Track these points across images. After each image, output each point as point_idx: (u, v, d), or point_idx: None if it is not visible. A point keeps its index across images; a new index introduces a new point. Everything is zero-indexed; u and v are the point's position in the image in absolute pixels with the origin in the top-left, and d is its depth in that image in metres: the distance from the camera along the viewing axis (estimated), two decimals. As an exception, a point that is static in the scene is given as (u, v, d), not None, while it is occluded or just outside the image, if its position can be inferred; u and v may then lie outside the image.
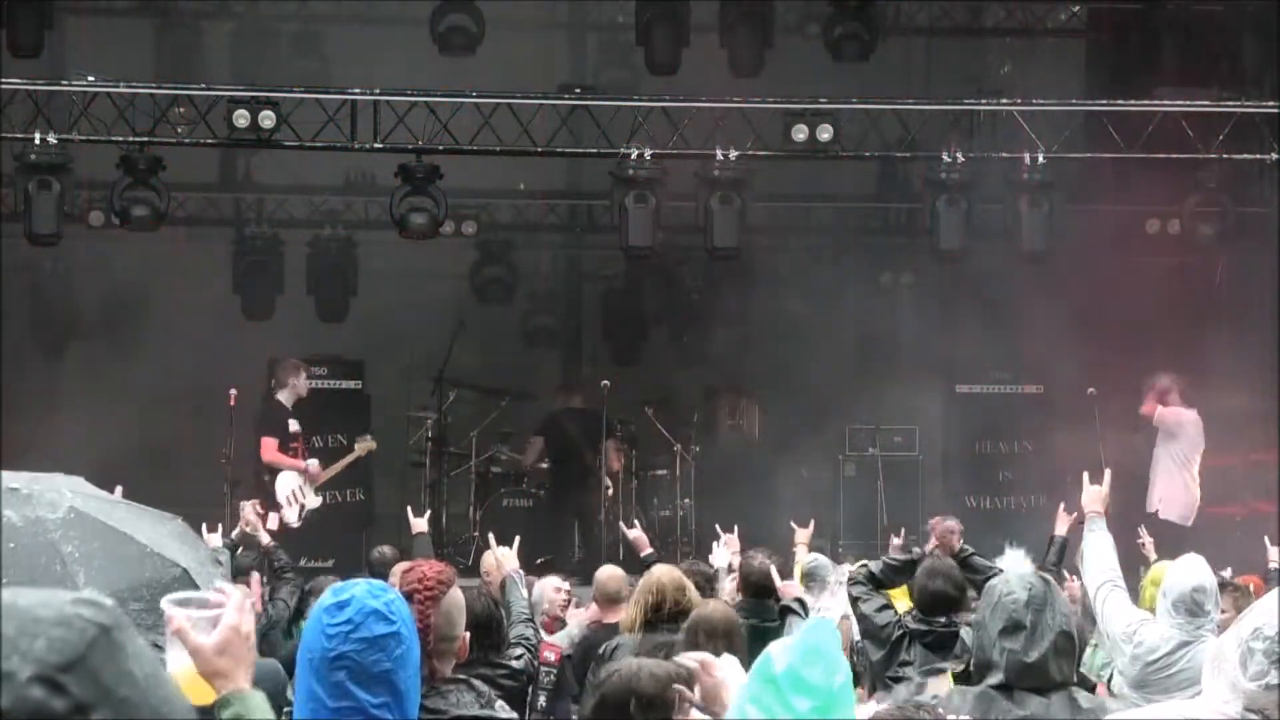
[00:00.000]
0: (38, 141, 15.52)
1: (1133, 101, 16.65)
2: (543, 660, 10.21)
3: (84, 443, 17.30)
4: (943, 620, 9.12)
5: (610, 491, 18.59)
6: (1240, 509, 19.47)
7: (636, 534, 12.57)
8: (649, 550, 12.16)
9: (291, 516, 16.37)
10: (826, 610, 9.87)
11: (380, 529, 19.28)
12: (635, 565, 11.78)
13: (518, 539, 9.72)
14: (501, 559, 9.36)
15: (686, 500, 18.72)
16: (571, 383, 18.67)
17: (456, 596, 4.78)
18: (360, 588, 4.15)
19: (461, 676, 4.64)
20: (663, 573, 9.62)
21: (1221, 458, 19.86)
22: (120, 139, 15.90)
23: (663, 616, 9.16)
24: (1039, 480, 19.30)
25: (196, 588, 7.03)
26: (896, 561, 9.54)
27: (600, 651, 9.68)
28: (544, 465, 18.62)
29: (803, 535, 12.19)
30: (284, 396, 16.60)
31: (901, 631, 9.16)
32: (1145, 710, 4.26)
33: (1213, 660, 3.72)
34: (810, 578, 11.27)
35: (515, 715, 4.60)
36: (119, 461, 17.61)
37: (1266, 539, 8.94)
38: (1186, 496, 17.47)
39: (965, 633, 9.12)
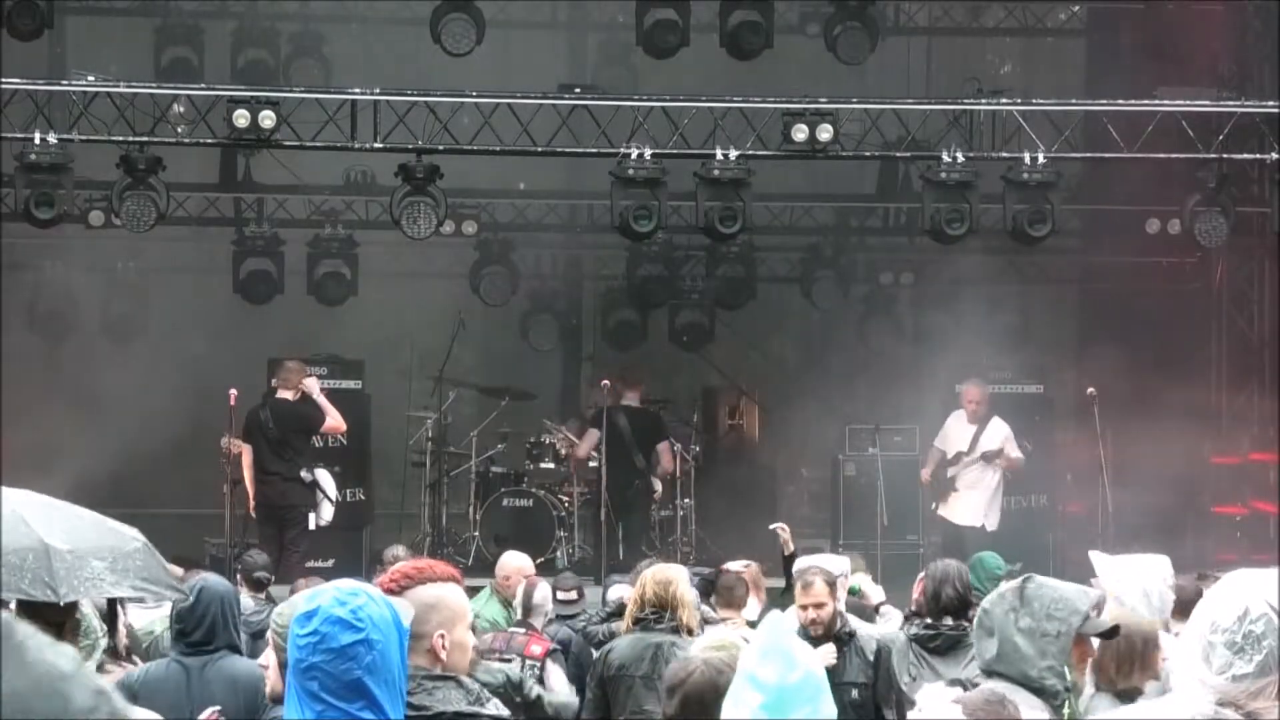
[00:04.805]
0: (38, 141, 15.50)
1: (1133, 101, 16.64)
2: (528, 654, 10.25)
3: (84, 442, 17.34)
4: (950, 624, 9.12)
5: (659, 495, 18.53)
6: (1241, 509, 19.49)
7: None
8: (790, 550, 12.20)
9: (328, 514, 16.39)
10: None
11: (380, 529, 19.30)
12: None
13: None
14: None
15: (686, 500, 18.70)
16: (628, 378, 18.51)
17: (429, 594, 4.66)
18: (328, 595, 4.10)
19: (451, 674, 4.61)
20: (652, 569, 9.68)
21: (1222, 458, 19.89)
22: (120, 139, 15.90)
23: (647, 613, 9.19)
24: (1039, 480, 19.31)
25: (155, 559, 7.15)
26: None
27: (596, 651, 9.71)
28: (591, 462, 18.40)
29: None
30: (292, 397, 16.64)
31: (905, 643, 9.15)
32: (1120, 710, 4.27)
33: (1178, 659, 3.72)
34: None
35: (508, 713, 4.59)
36: (119, 461, 17.70)
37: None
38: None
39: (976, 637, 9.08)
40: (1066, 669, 5.20)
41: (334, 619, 4.03)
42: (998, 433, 17.58)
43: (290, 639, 4.10)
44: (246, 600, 11.07)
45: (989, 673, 5.22)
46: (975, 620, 5.36)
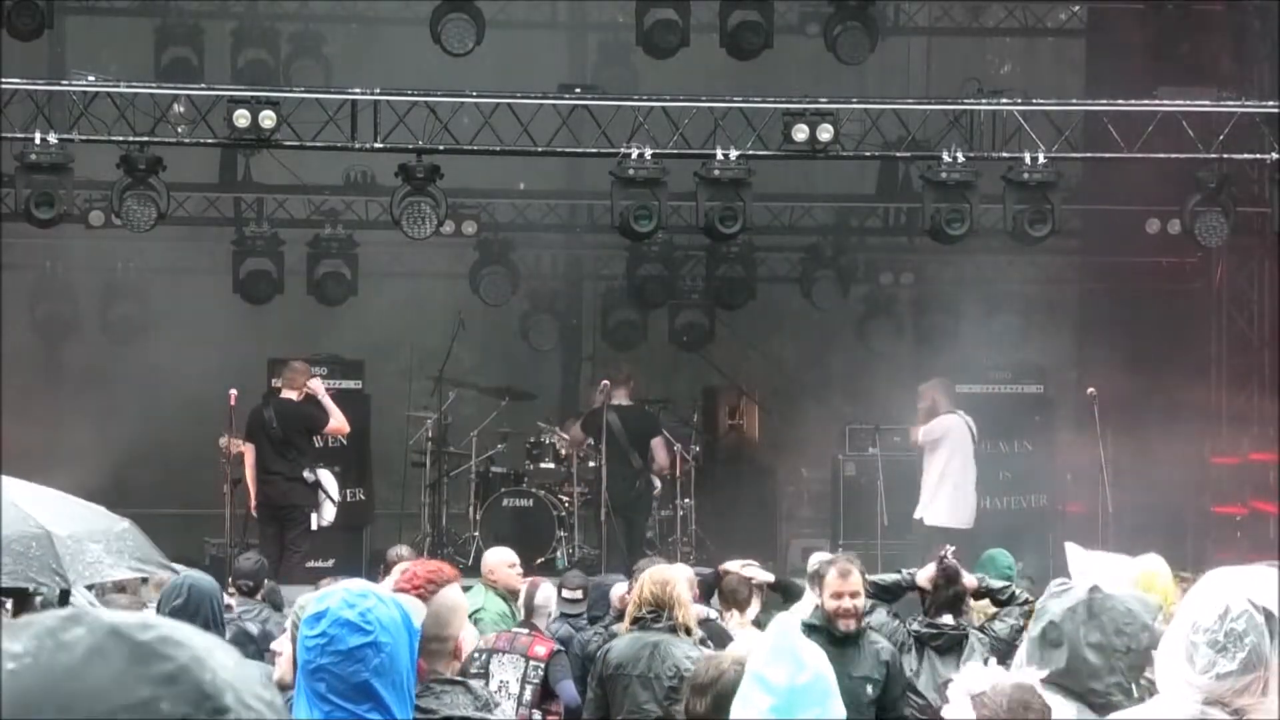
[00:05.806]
0: (38, 141, 15.50)
1: (1133, 101, 16.64)
2: (531, 654, 10.27)
3: (84, 443, 17.36)
4: (950, 624, 9.10)
5: (659, 490, 18.54)
6: (1241, 509, 19.49)
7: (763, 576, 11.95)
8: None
9: (330, 514, 16.37)
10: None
11: (380, 529, 19.30)
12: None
13: None
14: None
15: (686, 500, 18.70)
16: (615, 377, 18.48)
17: (449, 597, 4.72)
18: (337, 597, 4.11)
19: (459, 678, 4.63)
20: (651, 570, 9.69)
21: (1222, 458, 19.88)
22: (120, 139, 15.90)
23: (644, 613, 9.20)
24: (1039, 480, 19.32)
25: (143, 538, 7.18)
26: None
27: (596, 650, 9.72)
28: (590, 463, 18.36)
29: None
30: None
31: (906, 638, 9.13)
32: (1116, 713, 4.28)
33: (1163, 661, 3.73)
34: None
35: (512, 718, 4.61)
36: (119, 461, 17.72)
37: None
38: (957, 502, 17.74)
39: (975, 637, 9.07)
40: (1134, 685, 5.15)
41: (342, 621, 4.04)
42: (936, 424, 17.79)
43: (299, 640, 4.11)
44: (226, 599, 11.12)
45: (1047, 684, 5.10)
46: (1038, 631, 5.25)
